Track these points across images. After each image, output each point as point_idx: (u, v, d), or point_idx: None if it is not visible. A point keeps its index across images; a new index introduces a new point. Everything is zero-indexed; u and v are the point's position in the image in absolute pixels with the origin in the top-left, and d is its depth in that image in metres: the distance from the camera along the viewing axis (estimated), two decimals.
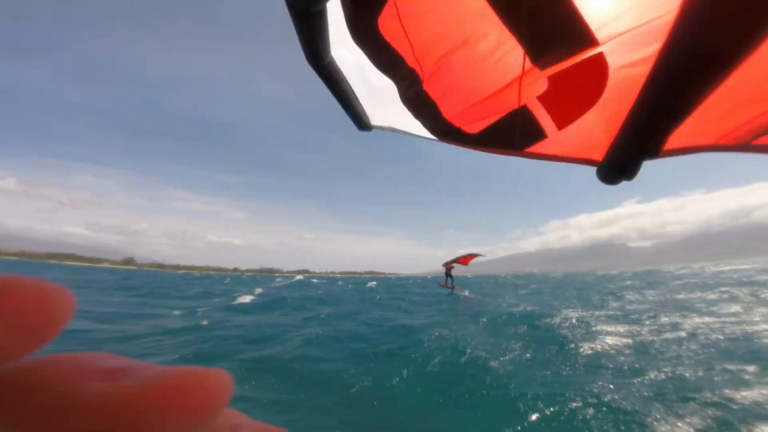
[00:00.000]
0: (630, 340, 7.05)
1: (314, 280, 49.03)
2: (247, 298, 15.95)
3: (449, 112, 0.91)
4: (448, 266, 18.85)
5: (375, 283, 45.45)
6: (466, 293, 19.02)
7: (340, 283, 45.03)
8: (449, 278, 19.77)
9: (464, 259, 18.19)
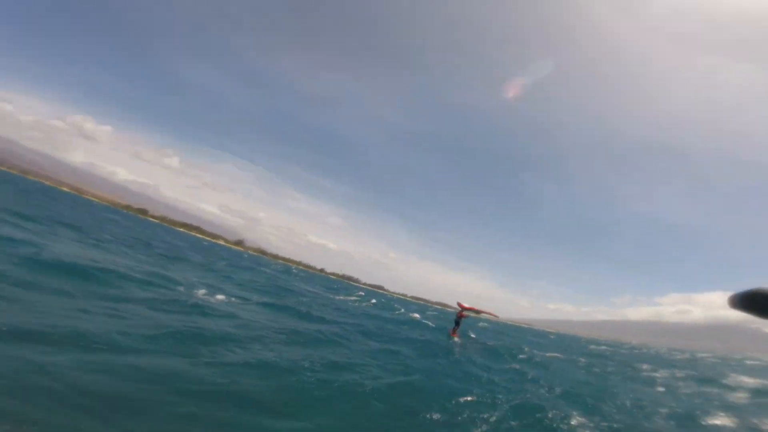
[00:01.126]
0: None
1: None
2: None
3: None
4: (460, 314, 18.38)
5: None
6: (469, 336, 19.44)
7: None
8: (457, 326, 18.33)
9: (470, 309, 18.85)
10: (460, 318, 18.11)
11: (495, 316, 20.26)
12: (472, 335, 20.99)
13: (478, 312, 19.26)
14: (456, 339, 17.67)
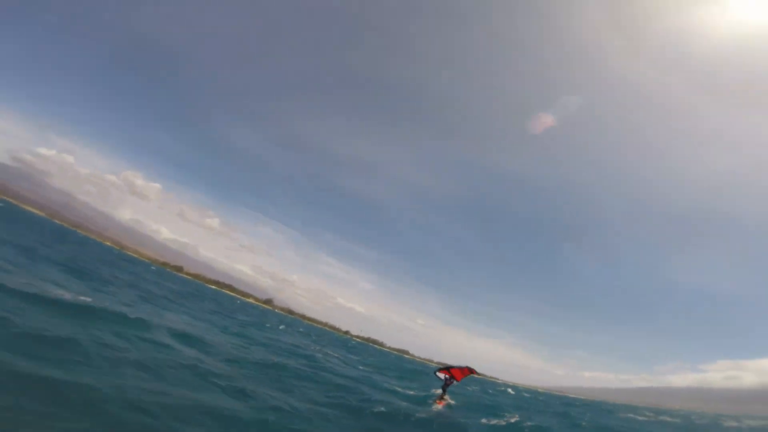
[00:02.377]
0: None
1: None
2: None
3: None
4: (448, 382, 16.67)
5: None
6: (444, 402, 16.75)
7: None
8: (444, 393, 16.70)
9: (460, 372, 16.92)
10: (448, 385, 16.76)
11: (478, 374, 18.49)
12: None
13: (458, 377, 17.08)
14: (440, 407, 16.01)
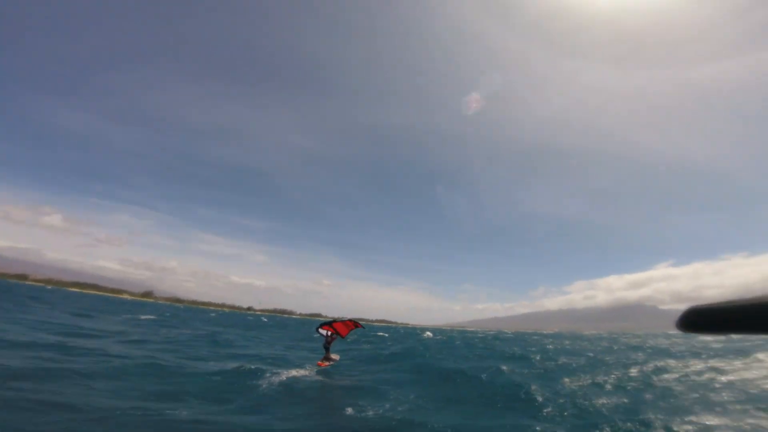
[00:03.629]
0: None
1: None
2: None
3: None
4: (329, 338, 15.20)
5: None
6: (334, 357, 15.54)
7: None
8: (327, 351, 15.11)
9: (343, 327, 15.53)
10: (329, 343, 15.19)
11: (362, 326, 16.95)
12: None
13: (343, 332, 15.69)
14: (323, 367, 14.39)
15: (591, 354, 22.85)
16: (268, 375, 11.43)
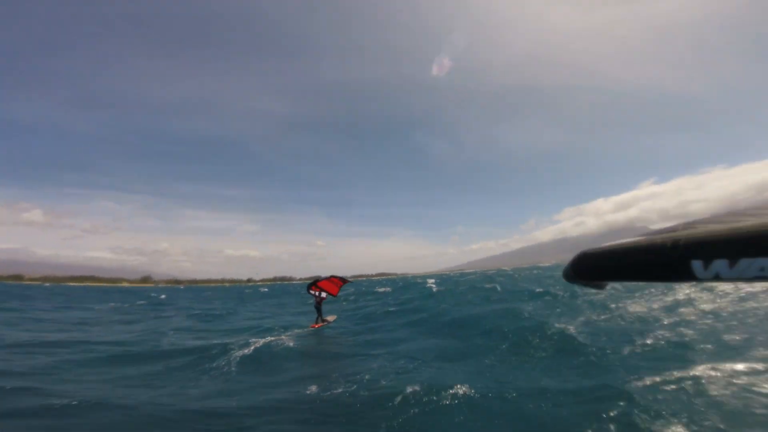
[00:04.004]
0: None
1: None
2: None
3: None
4: (318, 299, 14.91)
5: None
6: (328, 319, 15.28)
7: None
8: (319, 313, 14.86)
9: (330, 284, 15.36)
10: (320, 304, 14.87)
11: (349, 281, 16.55)
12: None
13: (334, 291, 15.52)
14: (315, 328, 14.11)
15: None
16: (243, 347, 10.39)
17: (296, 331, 13.84)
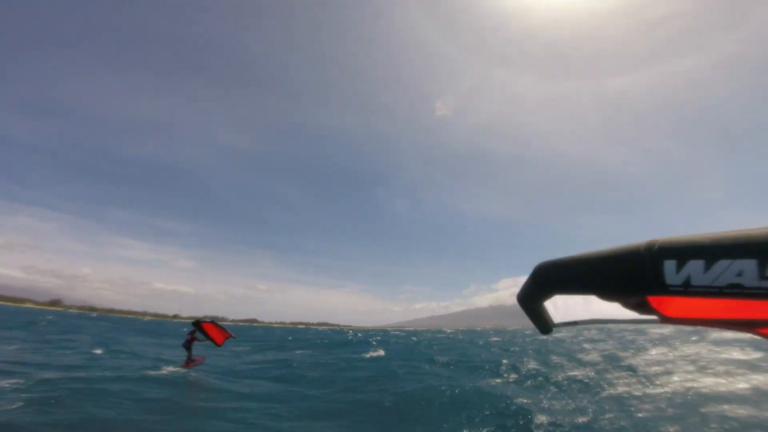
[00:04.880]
0: None
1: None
2: None
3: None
4: (189, 337, 13.52)
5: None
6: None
7: None
8: (189, 352, 13.61)
9: (217, 331, 13.24)
10: (190, 343, 13.53)
11: (234, 336, 14.02)
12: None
13: (219, 340, 13.35)
14: (187, 369, 13.10)
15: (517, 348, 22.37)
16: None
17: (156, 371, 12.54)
